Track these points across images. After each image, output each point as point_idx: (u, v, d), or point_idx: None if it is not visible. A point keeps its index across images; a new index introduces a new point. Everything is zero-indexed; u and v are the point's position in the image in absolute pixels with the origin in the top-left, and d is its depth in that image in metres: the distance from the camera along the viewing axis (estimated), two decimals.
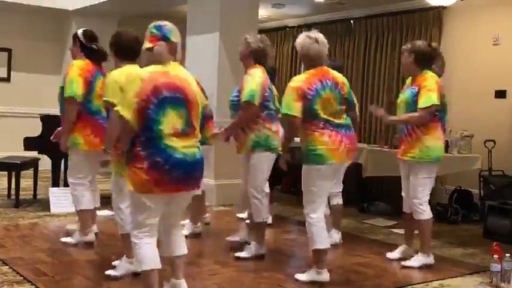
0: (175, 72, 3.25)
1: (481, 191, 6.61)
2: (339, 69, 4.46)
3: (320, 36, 4.06)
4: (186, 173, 3.20)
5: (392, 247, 4.93)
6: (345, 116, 4.10)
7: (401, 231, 5.70)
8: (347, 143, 4.00)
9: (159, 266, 3.22)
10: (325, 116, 3.96)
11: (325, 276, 4.01)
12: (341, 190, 5.15)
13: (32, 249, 4.57)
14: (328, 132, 3.96)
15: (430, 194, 4.58)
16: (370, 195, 7.09)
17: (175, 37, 3.31)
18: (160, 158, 3.12)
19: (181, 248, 3.43)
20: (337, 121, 4.00)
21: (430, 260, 4.57)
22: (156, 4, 8.67)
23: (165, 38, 3.26)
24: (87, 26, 4.75)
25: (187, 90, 3.24)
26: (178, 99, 3.20)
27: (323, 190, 4.05)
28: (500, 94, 6.88)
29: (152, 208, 3.20)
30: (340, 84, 4.10)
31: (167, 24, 3.31)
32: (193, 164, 3.22)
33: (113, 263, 4.04)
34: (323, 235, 4.00)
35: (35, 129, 6.51)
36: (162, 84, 3.16)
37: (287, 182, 8.10)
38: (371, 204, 6.96)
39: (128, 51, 4.01)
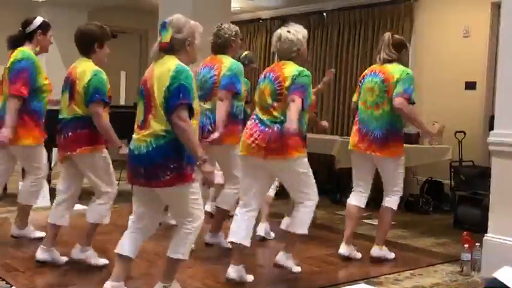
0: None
1: (452, 181, 6.70)
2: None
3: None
4: (132, 167, 3.22)
5: (364, 238, 4.96)
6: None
7: (374, 221, 5.76)
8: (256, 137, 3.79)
9: (125, 253, 3.28)
10: None
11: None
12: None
13: (2, 245, 4.51)
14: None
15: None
16: (342, 186, 7.12)
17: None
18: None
19: (171, 250, 3.26)
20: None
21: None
22: None
23: None
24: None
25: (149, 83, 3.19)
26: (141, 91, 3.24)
27: (243, 183, 3.92)
28: (470, 86, 6.96)
29: (135, 196, 3.34)
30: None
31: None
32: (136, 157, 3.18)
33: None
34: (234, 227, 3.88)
35: None
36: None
37: None
38: (344, 195, 6.99)
39: None
